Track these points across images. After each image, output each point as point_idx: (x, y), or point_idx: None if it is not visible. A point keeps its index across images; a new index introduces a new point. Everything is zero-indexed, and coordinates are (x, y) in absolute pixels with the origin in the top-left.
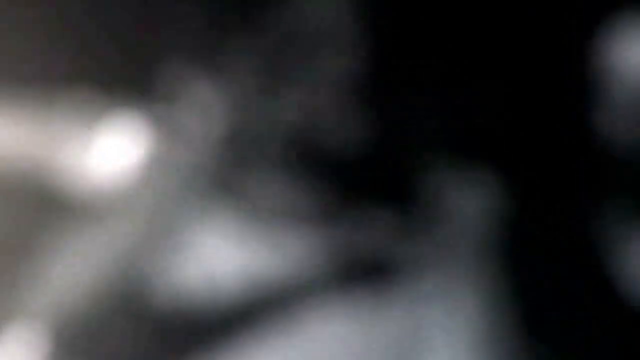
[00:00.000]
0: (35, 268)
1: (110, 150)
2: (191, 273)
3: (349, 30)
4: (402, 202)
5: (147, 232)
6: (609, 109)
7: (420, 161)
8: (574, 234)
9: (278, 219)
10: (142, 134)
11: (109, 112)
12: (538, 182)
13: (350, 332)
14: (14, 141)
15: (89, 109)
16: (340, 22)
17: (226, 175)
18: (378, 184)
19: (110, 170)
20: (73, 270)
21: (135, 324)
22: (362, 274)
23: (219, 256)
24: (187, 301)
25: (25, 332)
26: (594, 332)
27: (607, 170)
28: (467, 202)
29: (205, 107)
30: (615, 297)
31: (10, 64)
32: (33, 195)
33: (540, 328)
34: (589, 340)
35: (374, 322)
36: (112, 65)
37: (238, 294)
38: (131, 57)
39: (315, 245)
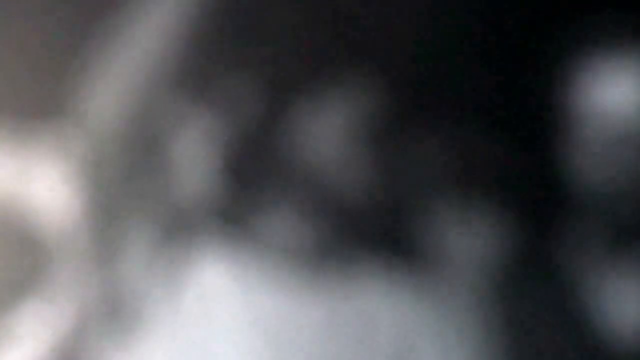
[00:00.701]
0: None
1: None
2: (188, 309)
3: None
4: (402, 243)
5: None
6: (583, 146)
7: (421, 202)
8: (557, 271)
9: (274, 255)
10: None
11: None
12: (525, 221)
13: None
14: None
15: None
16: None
17: (221, 210)
18: (377, 223)
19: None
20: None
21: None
22: (358, 312)
23: (215, 291)
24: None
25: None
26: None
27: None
28: (466, 243)
29: (202, 137)
30: (592, 332)
31: None
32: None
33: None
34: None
35: (367, 351)
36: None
37: (235, 330)
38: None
39: (311, 285)
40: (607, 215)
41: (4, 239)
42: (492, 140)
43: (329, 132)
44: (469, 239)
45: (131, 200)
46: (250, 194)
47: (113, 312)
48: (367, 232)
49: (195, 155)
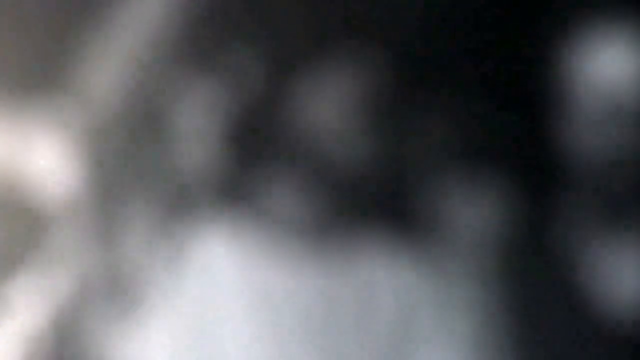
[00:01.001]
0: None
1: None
2: (189, 281)
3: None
4: (404, 213)
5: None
6: (578, 117)
7: (421, 174)
8: (555, 239)
9: (276, 224)
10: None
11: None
12: (523, 191)
13: (343, 338)
14: None
15: (58, 114)
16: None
17: (224, 178)
18: (379, 193)
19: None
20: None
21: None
22: (360, 283)
23: (217, 263)
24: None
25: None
26: (570, 335)
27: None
28: (468, 211)
29: (203, 110)
30: (591, 305)
31: None
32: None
33: (530, 331)
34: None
35: (367, 326)
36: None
37: (237, 297)
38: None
39: (311, 255)
40: (602, 187)
41: (3, 211)
42: (492, 114)
43: (331, 105)
44: (469, 211)
45: (132, 173)
46: (251, 167)
47: (113, 284)
48: (368, 204)
49: (196, 128)
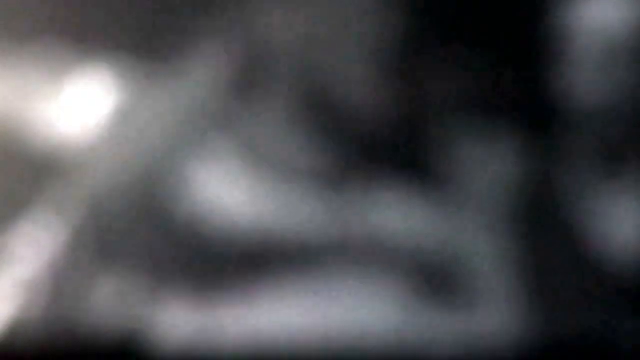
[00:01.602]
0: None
1: (79, 102)
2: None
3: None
4: (416, 166)
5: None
6: (580, 65)
7: (433, 125)
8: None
9: (283, 171)
10: (112, 87)
11: (78, 63)
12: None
13: (351, 288)
14: None
15: (59, 60)
16: None
17: (231, 122)
18: (392, 144)
19: (78, 123)
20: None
21: None
22: (369, 234)
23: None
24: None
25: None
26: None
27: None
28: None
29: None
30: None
31: None
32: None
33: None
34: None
35: (375, 279)
36: (84, 15)
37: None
38: (106, 6)
39: (321, 204)
40: (602, 132)
41: (3, 160)
42: (496, 63)
43: (345, 55)
44: (480, 161)
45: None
46: (264, 116)
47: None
48: (381, 156)
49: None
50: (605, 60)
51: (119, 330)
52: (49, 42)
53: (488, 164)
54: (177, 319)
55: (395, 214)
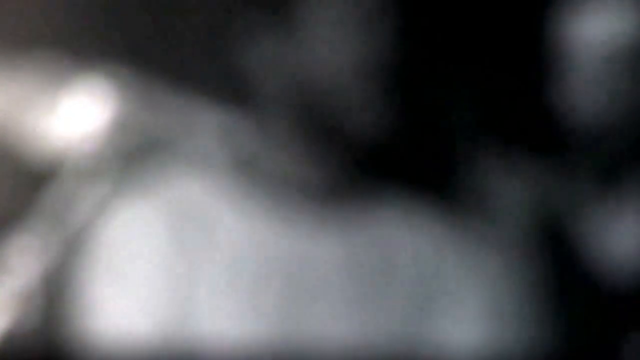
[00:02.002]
0: None
1: (76, 113)
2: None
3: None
4: (421, 176)
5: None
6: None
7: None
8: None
9: (285, 189)
10: (109, 97)
11: (76, 74)
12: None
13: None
14: None
15: (56, 71)
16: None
17: (228, 143)
18: (396, 156)
19: (76, 133)
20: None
21: None
22: (379, 247)
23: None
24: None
25: None
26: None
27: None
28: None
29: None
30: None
31: None
32: None
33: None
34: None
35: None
36: (82, 26)
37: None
38: (100, 19)
39: (329, 218)
40: (602, 148)
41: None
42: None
43: (349, 69)
44: (484, 175)
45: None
46: (261, 129)
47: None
48: (386, 167)
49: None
50: (608, 79)
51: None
52: (47, 53)
53: (495, 182)
54: None
55: (396, 228)
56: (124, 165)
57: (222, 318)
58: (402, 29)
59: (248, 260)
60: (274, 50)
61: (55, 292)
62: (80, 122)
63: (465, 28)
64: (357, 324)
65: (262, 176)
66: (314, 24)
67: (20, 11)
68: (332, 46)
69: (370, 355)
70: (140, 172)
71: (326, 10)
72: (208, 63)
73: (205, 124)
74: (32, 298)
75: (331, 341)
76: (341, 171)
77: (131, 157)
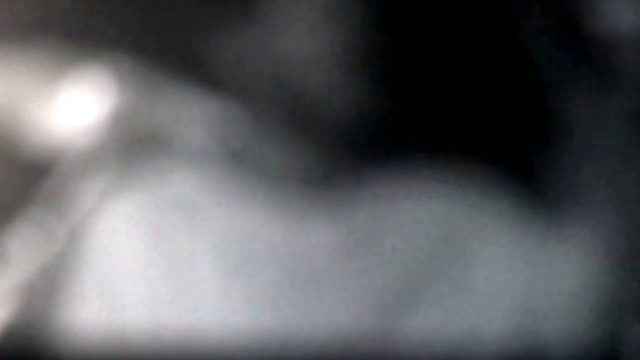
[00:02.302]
0: None
1: (76, 105)
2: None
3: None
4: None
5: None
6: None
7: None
8: None
9: (274, 179)
10: (109, 88)
11: (75, 65)
12: None
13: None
14: None
15: (55, 62)
16: None
17: (222, 134)
18: (375, 148)
19: (75, 124)
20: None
21: None
22: (364, 234)
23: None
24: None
25: None
26: None
27: None
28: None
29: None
30: None
31: None
32: None
33: None
34: None
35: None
36: (81, 17)
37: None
38: (100, 10)
39: (316, 209)
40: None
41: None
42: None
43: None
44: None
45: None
46: (248, 124)
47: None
48: (367, 152)
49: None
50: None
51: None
52: (46, 44)
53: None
54: None
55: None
56: (123, 157)
57: (215, 308)
58: (374, 13)
59: (241, 251)
60: (246, 42)
61: (53, 284)
62: (80, 113)
63: (435, 15)
64: (353, 311)
65: (252, 167)
66: (286, 13)
67: (19, 1)
68: (308, 33)
69: (362, 343)
70: (137, 163)
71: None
72: (196, 54)
73: (196, 115)
74: (32, 290)
75: (327, 330)
76: (328, 156)
77: (130, 148)
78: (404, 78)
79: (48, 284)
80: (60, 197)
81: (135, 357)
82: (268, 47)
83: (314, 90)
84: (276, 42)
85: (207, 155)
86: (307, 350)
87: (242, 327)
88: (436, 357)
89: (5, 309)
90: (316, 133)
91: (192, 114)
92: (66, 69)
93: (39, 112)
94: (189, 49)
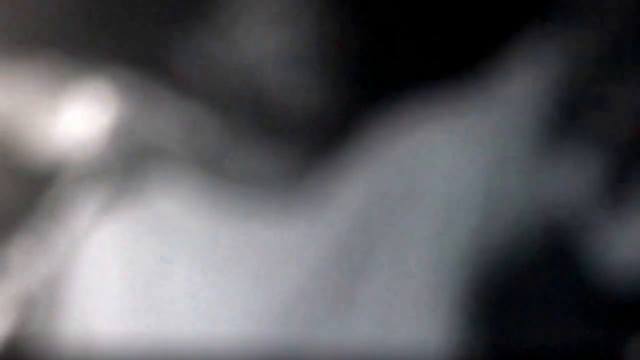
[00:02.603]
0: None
1: (77, 116)
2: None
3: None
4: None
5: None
6: None
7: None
8: None
9: (247, 183)
10: (110, 100)
11: (77, 77)
12: None
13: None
14: None
15: (58, 75)
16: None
17: (196, 143)
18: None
19: (76, 135)
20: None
21: None
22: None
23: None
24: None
25: None
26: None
27: None
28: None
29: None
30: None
31: None
32: None
33: None
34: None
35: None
36: (83, 31)
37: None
38: (102, 23)
39: (290, 211)
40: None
41: (2, 172)
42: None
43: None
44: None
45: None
46: (217, 130)
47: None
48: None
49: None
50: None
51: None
52: (48, 57)
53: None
54: None
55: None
56: (120, 170)
57: (198, 317)
58: (327, 13)
59: (220, 259)
60: (210, 47)
61: (53, 295)
62: (81, 126)
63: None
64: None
65: (227, 175)
66: (244, 18)
67: (21, 14)
68: (269, 34)
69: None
70: (131, 177)
71: (256, 6)
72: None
73: (172, 125)
74: (33, 300)
75: (309, 336)
76: (296, 157)
77: (129, 161)
78: (367, 73)
79: (47, 295)
80: (61, 209)
81: None
82: (231, 51)
83: (278, 90)
84: (239, 44)
85: (184, 168)
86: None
87: (227, 334)
88: None
89: (5, 319)
90: (284, 133)
91: (168, 124)
92: (66, 82)
93: (41, 124)
94: (155, 57)
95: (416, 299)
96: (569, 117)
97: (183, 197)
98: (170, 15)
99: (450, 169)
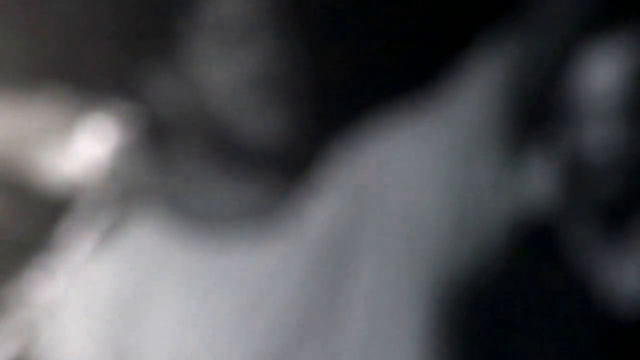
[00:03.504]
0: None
1: (84, 146)
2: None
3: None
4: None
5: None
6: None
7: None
8: None
9: (218, 217)
10: (115, 131)
11: (83, 109)
12: None
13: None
14: None
15: (64, 106)
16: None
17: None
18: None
19: (83, 164)
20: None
21: None
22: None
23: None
24: None
25: None
26: None
27: None
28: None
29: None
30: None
31: None
32: (7, 187)
33: None
34: None
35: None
36: (88, 64)
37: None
38: (106, 56)
39: (262, 240)
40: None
41: (6, 201)
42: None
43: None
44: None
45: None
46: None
47: None
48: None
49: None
50: (607, 117)
51: None
52: (53, 89)
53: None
54: None
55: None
56: (125, 200)
57: (179, 353)
58: (285, 41)
59: (199, 295)
60: (171, 77)
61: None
62: (86, 157)
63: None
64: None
65: (195, 209)
66: (201, 52)
67: (28, 49)
68: (223, 67)
69: None
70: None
71: (213, 36)
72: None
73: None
74: (39, 328)
75: None
76: (263, 185)
77: (124, 196)
78: (326, 99)
79: (47, 326)
80: (64, 241)
81: None
82: (191, 80)
83: (239, 117)
84: (198, 74)
85: (156, 204)
86: None
87: None
88: None
89: (14, 346)
90: (245, 161)
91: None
92: (72, 114)
93: (47, 156)
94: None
95: (397, 319)
96: (530, 123)
97: (159, 233)
98: (132, 50)
99: (418, 184)
